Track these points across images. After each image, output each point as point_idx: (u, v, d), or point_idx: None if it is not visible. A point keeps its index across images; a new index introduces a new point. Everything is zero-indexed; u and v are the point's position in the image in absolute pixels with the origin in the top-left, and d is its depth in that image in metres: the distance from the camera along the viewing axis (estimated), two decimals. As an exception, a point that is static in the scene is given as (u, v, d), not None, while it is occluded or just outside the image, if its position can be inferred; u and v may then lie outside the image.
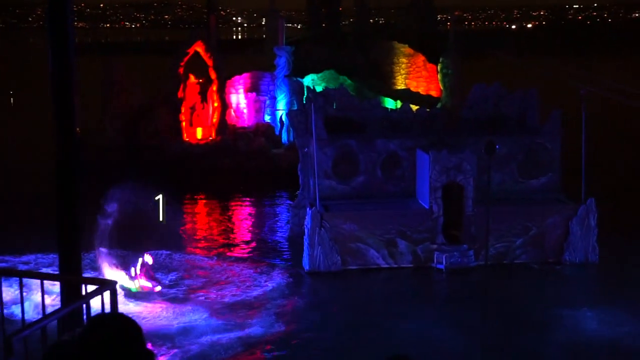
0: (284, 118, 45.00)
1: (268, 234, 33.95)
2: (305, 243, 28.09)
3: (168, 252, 29.55)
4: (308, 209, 28.26)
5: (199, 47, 45.27)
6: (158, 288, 25.70)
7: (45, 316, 6.76)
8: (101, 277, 24.01)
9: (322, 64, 48.03)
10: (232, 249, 31.51)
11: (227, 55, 50.17)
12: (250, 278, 27.49)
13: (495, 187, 28.33)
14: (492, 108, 32.58)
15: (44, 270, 26.41)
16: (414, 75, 49.82)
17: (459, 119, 33.50)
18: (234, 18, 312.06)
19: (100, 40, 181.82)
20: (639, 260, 28.72)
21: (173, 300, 25.29)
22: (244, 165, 43.24)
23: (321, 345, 22.16)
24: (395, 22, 68.19)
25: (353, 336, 22.62)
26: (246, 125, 46.83)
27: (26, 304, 11.52)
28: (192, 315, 24.02)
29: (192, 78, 45.45)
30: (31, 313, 17.98)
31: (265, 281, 27.22)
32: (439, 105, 44.46)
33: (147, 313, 24.12)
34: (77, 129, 10.56)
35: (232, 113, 46.89)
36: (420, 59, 49.87)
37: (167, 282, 26.83)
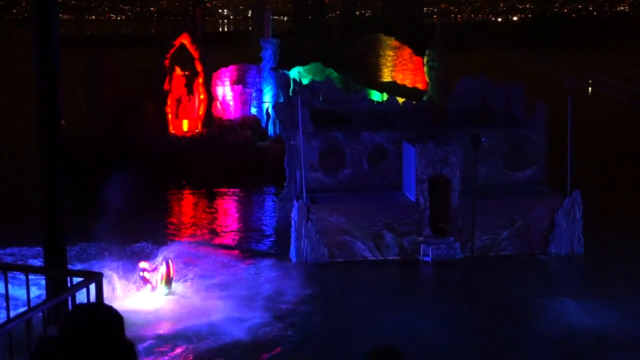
0: (270, 110, 44.91)
1: (254, 226, 33.93)
2: (292, 236, 28.11)
3: (154, 245, 29.45)
4: (295, 201, 28.26)
5: (184, 40, 45.11)
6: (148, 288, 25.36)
7: (30, 309, 6.73)
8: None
9: (309, 57, 47.94)
10: (218, 241, 31.47)
11: (213, 47, 50.07)
12: (236, 270, 27.46)
13: (481, 179, 28.39)
14: (478, 101, 32.66)
15: (31, 262, 26.34)
16: (400, 67, 49.80)
17: (445, 111, 33.55)
18: (220, 10, 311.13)
19: (85, 32, 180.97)
20: (623, 252, 28.88)
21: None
22: (230, 157, 43.14)
23: (308, 337, 22.18)
24: (382, 15, 68.17)
25: (339, 328, 22.64)
26: (232, 118, 46.73)
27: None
28: (180, 307, 24.00)
29: (178, 70, 45.29)
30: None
31: (252, 273, 27.21)
32: (425, 98, 44.48)
33: (136, 306, 24.07)
34: (62, 121, 10.51)
35: (219, 105, 46.77)
36: (407, 51, 49.85)
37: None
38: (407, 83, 49.13)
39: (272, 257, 29.31)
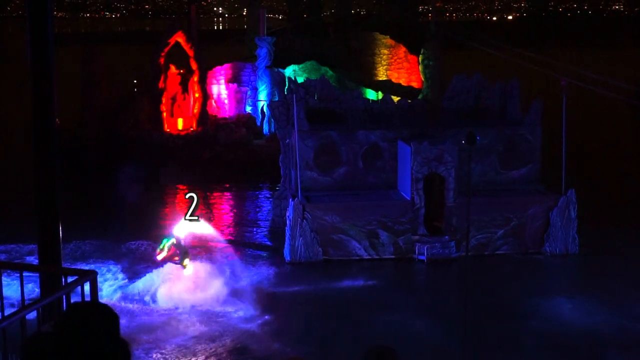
0: (265, 109, 44.88)
1: (249, 224, 33.91)
2: (287, 234, 28.09)
3: (149, 242, 29.41)
4: (290, 200, 28.24)
5: (179, 38, 45.03)
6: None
7: (24, 307, 6.72)
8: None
9: (304, 55, 47.92)
10: (212, 239, 31.41)
11: (208, 45, 49.99)
12: (229, 269, 27.40)
13: (476, 178, 28.42)
14: (473, 99, 32.65)
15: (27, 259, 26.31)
16: (395, 66, 49.81)
17: (440, 110, 33.54)
18: (214, 8, 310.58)
19: (80, 30, 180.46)
20: (618, 250, 28.95)
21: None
22: (225, 156, 43.10)
23: (302, 335, 22.17)
24: (377, 13, 68.14)
25: (334, 327, 22.64)
26: (227, 116, 46.69)
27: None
28: (175, 306, 23.99)
29: (172, 68, 45.21)
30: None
31: (246, 272, 27.17)
32: (420, 97, 44.48)
33: (125, 304, 24.06)
34: (57, 119, 10.49)
35: (213, 104, 46.73)
36: (402, 50, 49.86)
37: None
38: (402, 81, 49.15)
39: (266, 255, 29.29)
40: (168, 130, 44.52)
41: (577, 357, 21.24)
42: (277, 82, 45.62)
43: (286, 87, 35.71)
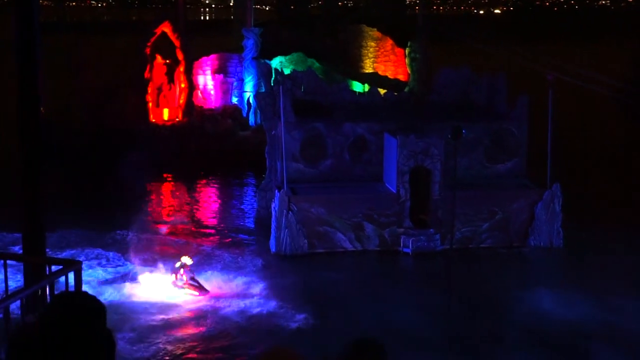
0: (251, 100, 44.79)
1: (234, 216, 33.89)
2: (273, 226, 28.07)
3: (134, 232, 29.35)
4: (276, 191, 28.22)
5: (166, 28, 44.85)
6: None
7: (7, 296, 6.69)
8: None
9: (291, 47, 47.80)
10: (198, 230, 31.40)
11: (195, 36, 49.80)
12: (215, 260, 27.40)
13: (462, 171, 28.48)
14: (460, 93, 32.70)
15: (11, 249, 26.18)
16: (382, 59, 49.79)
17: (426, 103, 33.57)
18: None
19: (66, 19, 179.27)
20: (602, 245, 29.09)
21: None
22: (211, 147, 43.01)
23: (286, 328, 22.18)
24: (364, 6, 68.10)
25: (319, 319, 22.66)
26: (213, 107, 46.56)
27: None
28: (160, 297, 23.97)
29: (159, 59, 45.02)
30: None
31: (231, 264, 27.15)
32: (406, 90, 44.50)
33: (119, 296, 24.03)
34: (42, 109, 10.44)
35: (199, 94, 46.59)
36: (389, 42, 49.84)
37: (139, 262, 26.60)
38: (389, 74, 49.13)
39: (252, 247, 29.27)
40: (154, 120, 44.38)
41: (560, 350, 21.37)
42: (263, 73, 45.48)
43: (273, 79, 35.64)
